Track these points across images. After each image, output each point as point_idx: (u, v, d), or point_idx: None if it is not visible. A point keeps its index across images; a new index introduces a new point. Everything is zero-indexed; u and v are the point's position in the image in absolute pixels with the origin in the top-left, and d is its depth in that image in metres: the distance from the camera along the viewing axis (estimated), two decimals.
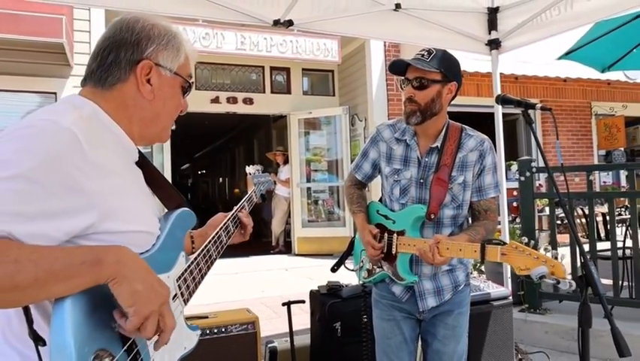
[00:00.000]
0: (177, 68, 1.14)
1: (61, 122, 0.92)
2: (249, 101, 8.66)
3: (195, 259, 1.23)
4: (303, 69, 8.98)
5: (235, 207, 1.55)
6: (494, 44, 3.71)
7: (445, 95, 1.92)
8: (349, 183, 2.25)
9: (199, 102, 8.24)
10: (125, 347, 0.93)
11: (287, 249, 8.85)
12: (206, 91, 8.40)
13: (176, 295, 1.11)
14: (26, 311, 0.87)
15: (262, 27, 6.96)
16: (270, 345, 3.08)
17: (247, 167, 1.83)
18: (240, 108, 8.65)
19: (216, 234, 1.39)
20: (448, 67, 1.90)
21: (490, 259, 1.71)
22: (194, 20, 6.59)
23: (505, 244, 1.69)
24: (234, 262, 7.76)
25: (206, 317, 2.72)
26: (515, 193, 6.01)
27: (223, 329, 2.67)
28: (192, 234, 1.44)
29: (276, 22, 3.06)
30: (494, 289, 3.15)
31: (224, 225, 1.44)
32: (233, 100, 8.54)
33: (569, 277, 1.55)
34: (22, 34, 5.23)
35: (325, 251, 7.92)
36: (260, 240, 10.04)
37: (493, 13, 3.66)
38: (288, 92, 9.01)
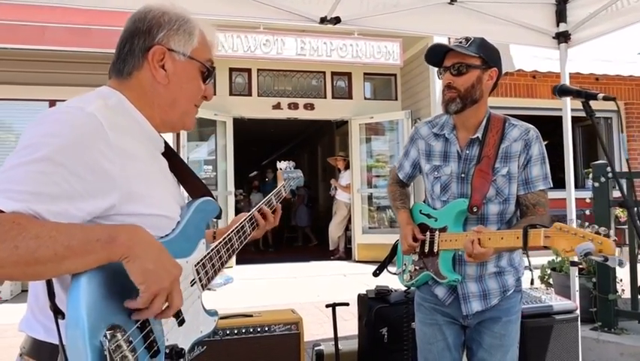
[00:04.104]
0: (191, 52, 1.16)
1: (85, 109, 0.98)
2: (310, 107, 8.71)
3: (216, 246, 1.25)
4: (364, 74, 8.91)
5: (262, 201, 1.54)
6: (563, 37, 3.41)
7: (486, 81, 1.82)
8: (391, 180, 2.21)
9: (261, 108, 8.41)
10: (138, 324, 0.95)
11: (347, 255, 8.78)
12: (267, 97, 8.55)
13: (194, 280, 1.13)
14: (49, 285, 0.92)
15: (322, 31, 7.00)
16: (316, 348, 3.03)
17: (278, 162, 1.80)
18: (301, 114, 8.71)
19: (240, 224, 1.41)
20: (487, 52, 1.80)
21: (534, 243, 1.57)
22: (255, 27, 6.73)
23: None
24: (294, 267, 7.79)
25: (251, 316, 2.71)
26: (588, 201, 5.55)
27: (266, 328, 2.65)
28: (216, 231, 1.47)
29: (323, 20, 2.99)
30: (557, 302, 2.91)
31: (248, 217, 1.46)
32: (294, 106, 8.62)
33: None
34: (94, 47, 5.63)
35: None
36: (320, 245, 10.04)
37: (562, 4, 3.37)
38: (350, 97, 8.97)
